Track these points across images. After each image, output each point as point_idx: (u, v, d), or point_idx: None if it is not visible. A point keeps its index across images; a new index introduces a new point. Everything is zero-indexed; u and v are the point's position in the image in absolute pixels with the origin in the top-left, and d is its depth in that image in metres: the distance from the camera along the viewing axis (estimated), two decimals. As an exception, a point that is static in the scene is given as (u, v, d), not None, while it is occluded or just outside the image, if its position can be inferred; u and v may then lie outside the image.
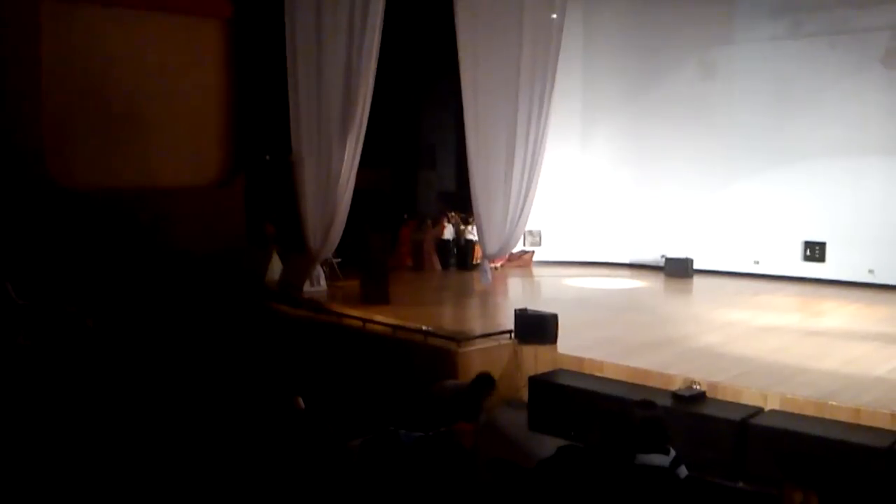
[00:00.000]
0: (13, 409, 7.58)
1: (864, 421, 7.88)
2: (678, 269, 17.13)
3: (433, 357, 10.51)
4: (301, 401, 6.63)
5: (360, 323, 11.99)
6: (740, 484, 7.51)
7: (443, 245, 18.30)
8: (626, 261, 18.56)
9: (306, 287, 14.60)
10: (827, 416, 8.03)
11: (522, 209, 14.95)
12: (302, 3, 13.99)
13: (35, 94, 14.00)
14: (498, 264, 17.24)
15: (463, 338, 10.65)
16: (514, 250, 17.23)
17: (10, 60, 13.72)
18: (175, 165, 15.65)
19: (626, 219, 18.49)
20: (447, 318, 13.08)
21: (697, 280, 16.93)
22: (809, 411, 8.16)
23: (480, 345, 10.58)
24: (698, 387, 8.66)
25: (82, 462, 5.98)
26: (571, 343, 10.62)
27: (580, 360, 10.21)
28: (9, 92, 13.74)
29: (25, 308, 11.51)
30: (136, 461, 5.92)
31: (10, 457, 6.11)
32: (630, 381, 9.41)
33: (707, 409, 8.26)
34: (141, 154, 15.17)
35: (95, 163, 14.59)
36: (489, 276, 15.40)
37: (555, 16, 14.49)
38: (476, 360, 10.33)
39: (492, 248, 15.12)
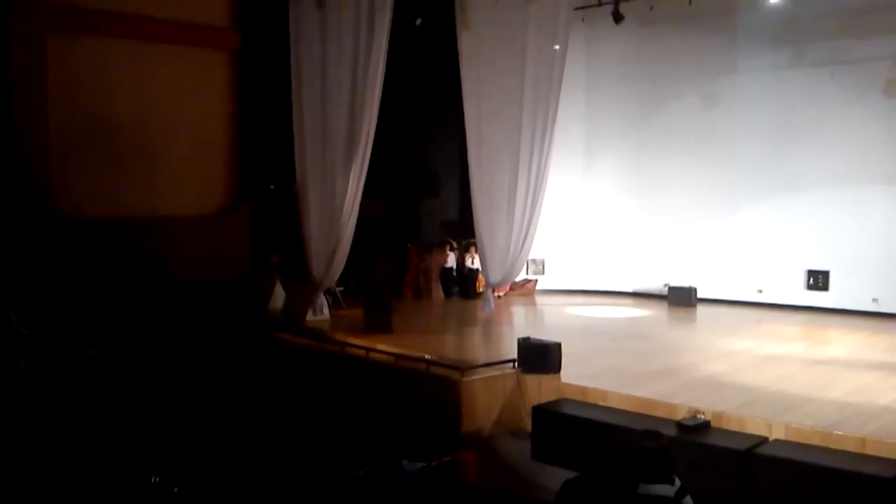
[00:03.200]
0: (12, 439, 7.56)
1: (870, 450, 7.84)
2: (681, 298, 17.11)
3: (436, 386, 10.49)
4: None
5: (363, 352, 11.97)
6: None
7: (446, 274, 18.32)
8: (630, 289, 18.54)
9: (309, 316, 14.61)
10: (832, 445, 7.99)
11: (525, 238, 14.96)
12: (307, 34, 14.13)
13: (41, 124, 14.08)
14: (501, 293, 17.23)
15: (466, 367, 10.62)
16: (517, 279, 17.22)
17: (16, 91, 13.82)
18: (180, 194, 15.70)
19: (629, 248, 18.50)
20: (450, 347, 13.06)
21: (701, 309, 16.89)
22: (815, 441, 8.13)
23: (484, 374, 10.55)
24: (703, 416, 8.63)
25: (83, 491, 5.95)
26: (575, 372, 10.60)
27: (584, 389, 10.18)
28: (15, 122, 13.83)
29: (28, 337, 11.51)
30: (137, 490, 5.89)
31: (9, 485, 6.09)
32: (634, 410, 9.39)
33: (712, 439, 8.23)
34: (146, 183, 15.23)
35: (100, 192, 14.64)
36: (492, 304, 15.39)
37: (557, 46, 14.60)
38: (479, 389, 10.32)
39: (495, 276, 15.11)
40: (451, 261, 18.38)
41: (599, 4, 17.22)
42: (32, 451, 7.15)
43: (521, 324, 16.02)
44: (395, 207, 20.03)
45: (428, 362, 10.94)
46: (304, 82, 14.23)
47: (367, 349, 11.97)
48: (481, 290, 16.59)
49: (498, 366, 10.80)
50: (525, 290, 18.71)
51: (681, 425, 8.46)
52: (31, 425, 8.25)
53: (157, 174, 15.40)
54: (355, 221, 14.20)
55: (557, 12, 14.37)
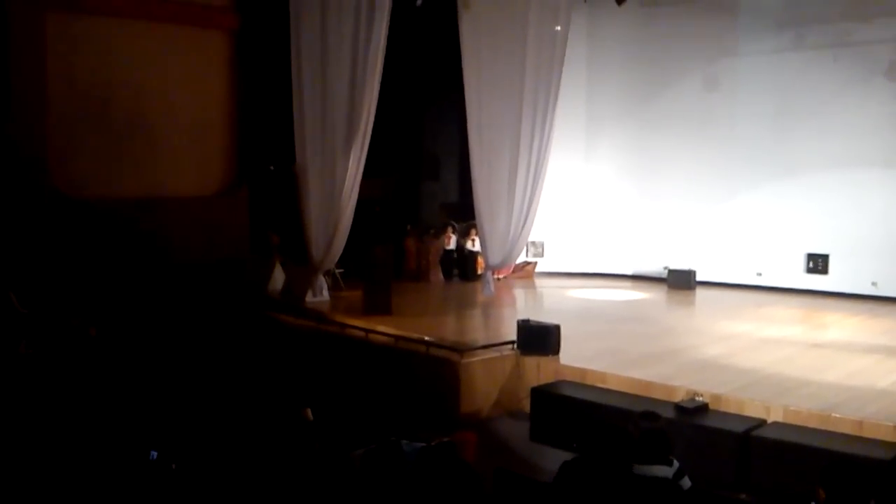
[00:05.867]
0: (12, 419, 7.58)
1: (867, 433, 7.88)
2: (681, 281, 17.11)
3: (435, 368, 10.51)
4: (310, 412, 6.63)
5: (362, 333, 11.99)
6: (743, 496, 7.50)
7: (446, 256, 18.31)
8: (629, 272, 18.55)
9: (309, 297, 14.60)
10: (830, 428, 8.02)
11: (525, 220, 14.95)
12: (307, 15, 14.04)
13: (40, 103, 14.03)
14: (500, 275, 17.24)
15: (465, 348, 10.64)
16: (517, 261, 17.23)
17: (15, 70, 13.76)
18: (179, 175, 15.66)
19: (629, 230, 18.49)
20: (449, 329, 13.07)
21: (700, 292, 16.91)
22: (812, 423, 8.15)
23: (483, 355, 10.57)
24: (701, 398, 8.65)
25: (82, 473, 5.98)
26: (574, 354, 10.62)
27: (583, 371, 10.20)
28: (14, 102, 13.77)
29: (28, 317, 11.51)
30: (136, 470, 5.91)
31: (8, 466, 6.11)
32: (633, 392, 9.41)
33: (710, 421, 8.25)
34: (145, 164, 15.19)
35: (99, 172, 14.60)
36: (492, 286, 15.39)
37: (559, 27, 14.54)
38: (478, 370, 10.34)
39: (494, 258, 15.11)
40: (452, 243, 18.37)
41: (601, -15, 17.13)
42: (33, 429, 7.17)
43: (520, 306, 16.02)
44: (395, 189, 19.99)
45: (427, 344, 10.95)
46: (303, 63, 14.16)
47: (367, 330, 11.99)
48: (481, 272, 16.60)
49: (497, 347, 10.82)
50: (524, 272, 18.71)
51: (679, 407, 8.48)
52: (32, 405, 8.26)
53: (157, 154, 15.36)
54: (355, 203, 14.17)
55: (559, -7, 14.32)
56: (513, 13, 14.27)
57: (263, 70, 16.11)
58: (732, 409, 8.66)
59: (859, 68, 15.52)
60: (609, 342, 11.82)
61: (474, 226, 16.23)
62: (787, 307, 14.99)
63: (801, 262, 16.46)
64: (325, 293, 14.87)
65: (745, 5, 16.90)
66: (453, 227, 18.50)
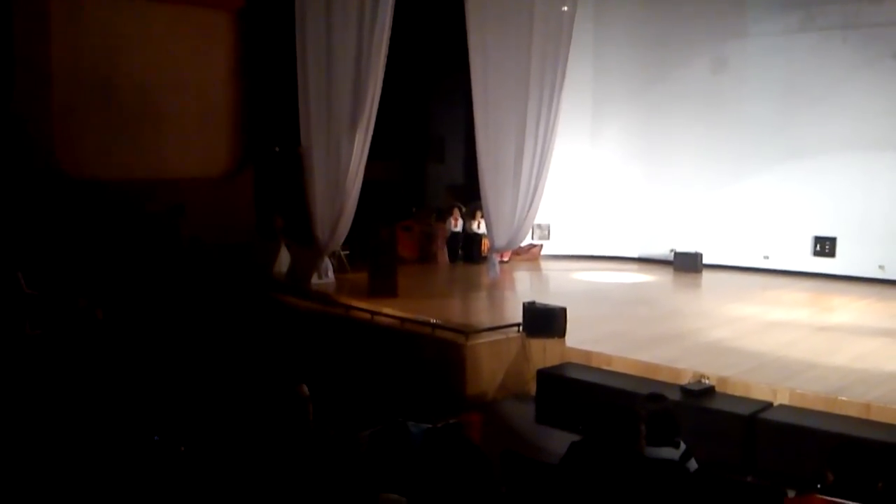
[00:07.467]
0: (19, 399, 7.60)
1: (874, 416, 7.85)
2: (687, 264, 17.07)
3: (441, 349, 10.51)
4: (305, 388, 6.62)
5: (368, 315, 11.99)
6: (749, 478, 7.49)
7: (451, 238, 18.29)
8: (635, 255, 18.51)
9: (314, 279, 14.60)
10: (837, 411, 8.00)
11: (531, 203, 14.91)
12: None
13: (45, 84, 14.02)
14: (506, 258, 17.22)
15: (471, 331, 10.63)
16: (523, 244, 17.19)
17: (20, 51, 13.74)
18: (184, 156, 15.67)
19: (635, 213, 18.43)
20: (455, 311, 13.06)
21: (706, 275, 16.86)
22: (819, 406, 8.13)
23: (488, 338, 10.56)
24: (707, 381, 8.63)
25: (87, 454, 5.99)
26: (580, 336, 10.60)
27: (588, 353, 10.18)
28: (19, 82, 13.76)
29: (34, 298, 11.54)
30: (141, 451, 5.93)
31: (14, 447, 6.12)
32: (639, 375, 9.40)
33: (716, 404, 8.24)
34: (151, 145, 15.19)
35: (105, 153, 14.61)
36: (497, 269, 15.38)
37: (566, 8, 14.44)
38: (484, 352, 10.33)
39: (500, 241, 15.09)
40: (458, 225, 18.34)
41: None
42: (37, 410, 7.19)
43: (525, 288, 16.02)
44: (401, 171, 19.96)
45: (433, 326, 10.96)
46: (309, 43, 14.07)
47: (372, 312, 12.00)
48: (486, 254, 16.58)
49: (502, 330, 10.80)
50: (530, 254, 18.69)
51: (685, 390, 8.47)
52: (37, 386, 8.29)
53: (162, 136, 15.36)
54: (360, 185, 14.14)
55: (566, -27, 14.22)
56: (519, -6, 14.18)
57: (269, 51, 16.05)
58: (739, 392, 8.64)
59: (869, 50, 15.39)
60: (615, 325, 11.80)
61: (480, 208, 16.20)
62: (794, 290, 14.95)
63: (809, 245, 16.40)
64: (331, 275, 14.87)
65: (754, -15, 16.77)
66: (459, 209, 18.45)
